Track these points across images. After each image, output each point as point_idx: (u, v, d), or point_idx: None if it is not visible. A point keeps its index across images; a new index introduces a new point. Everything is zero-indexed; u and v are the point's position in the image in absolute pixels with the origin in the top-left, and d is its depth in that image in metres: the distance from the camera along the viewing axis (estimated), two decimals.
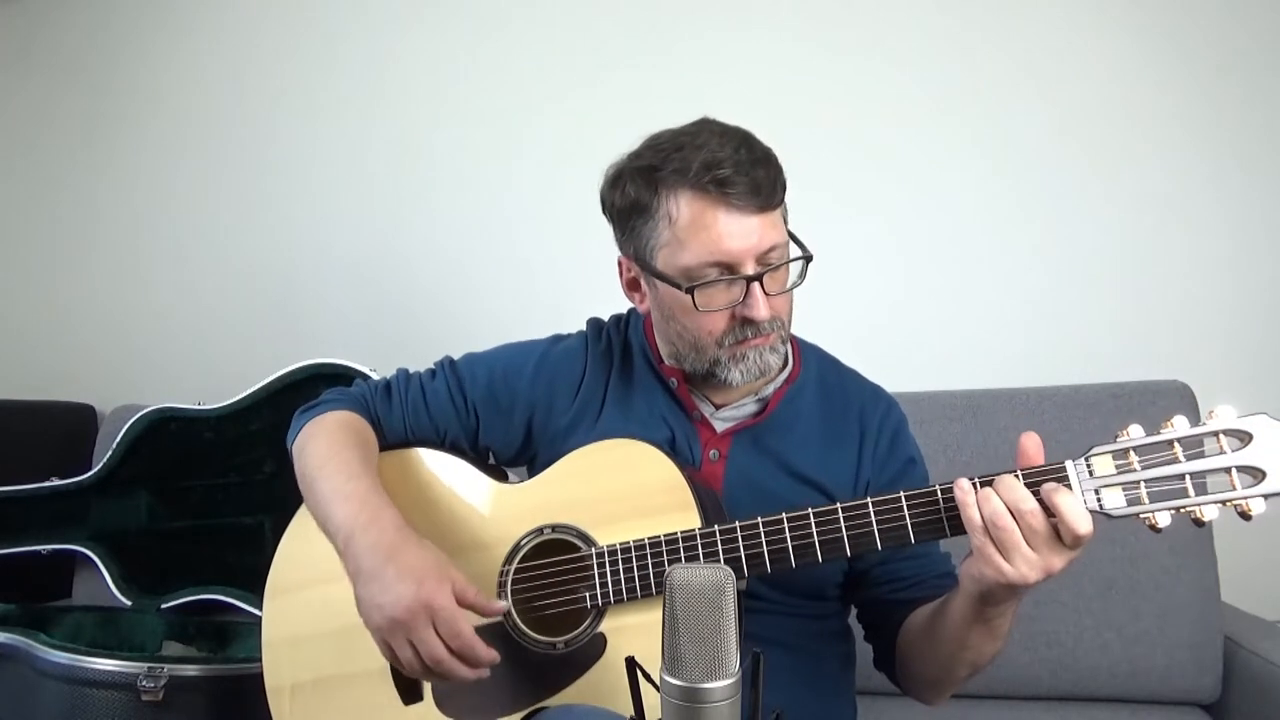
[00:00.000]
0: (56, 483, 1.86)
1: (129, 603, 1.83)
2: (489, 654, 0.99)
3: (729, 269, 1.03)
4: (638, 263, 1.11)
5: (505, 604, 1.04)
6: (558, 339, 1.26)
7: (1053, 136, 1.89)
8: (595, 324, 1.27)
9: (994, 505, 0.86)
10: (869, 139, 1.96)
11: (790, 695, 0.93)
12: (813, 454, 1.13)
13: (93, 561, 1.86)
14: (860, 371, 1.25)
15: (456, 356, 1.27)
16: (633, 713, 0.76)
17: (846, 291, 1.92)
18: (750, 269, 1.03)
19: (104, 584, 1.84)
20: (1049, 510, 0.85)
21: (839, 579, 1.16)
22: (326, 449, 1.14)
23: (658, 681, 0.68)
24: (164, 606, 1.82)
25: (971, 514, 0.88)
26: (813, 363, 1.21)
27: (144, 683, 1.39)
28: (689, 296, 1.04)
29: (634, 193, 1.07)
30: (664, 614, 0.66)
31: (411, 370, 1.27)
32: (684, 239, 1.03)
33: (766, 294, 1.04)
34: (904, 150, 1.94)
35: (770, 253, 1.04)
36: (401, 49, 2.16)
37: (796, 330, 1.23)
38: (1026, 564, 0.85)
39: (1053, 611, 1.55)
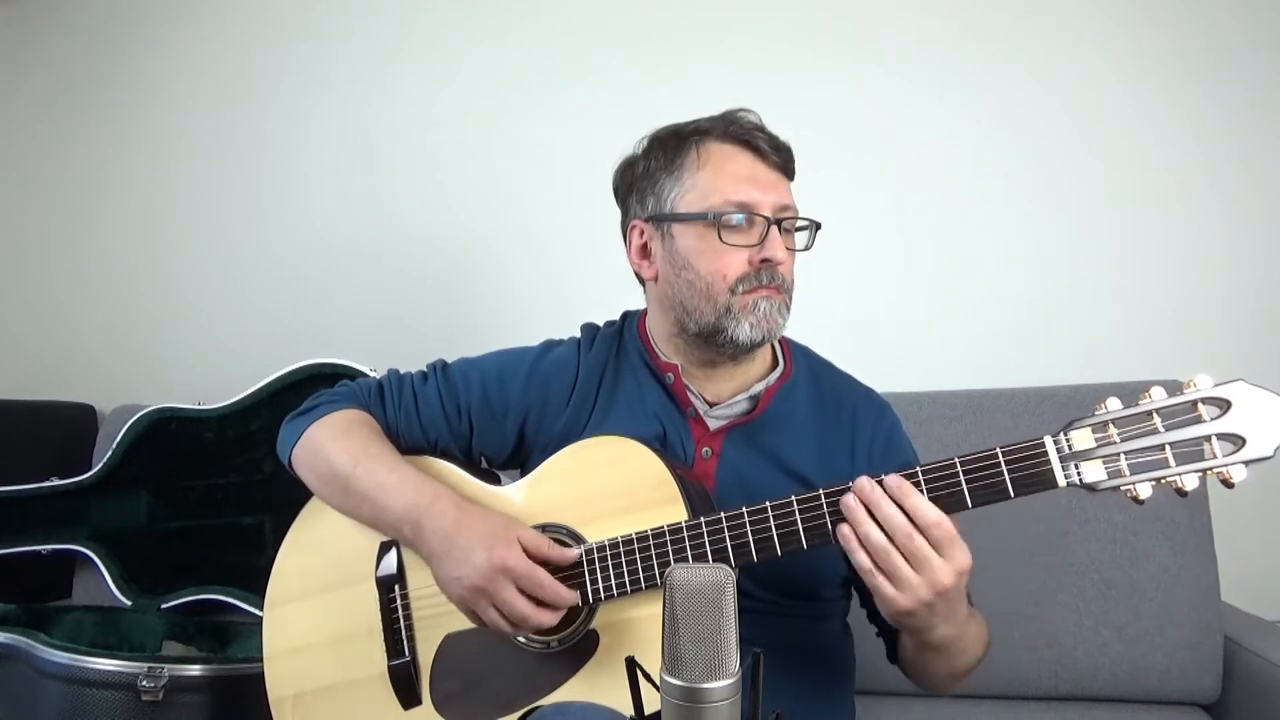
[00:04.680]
0: (56, 483, 1.86)
1: (129, 603, 1.83)
2: (571, 595, 1.01)
3: (750, 212, 1.09)
4: (655, 220, 1.15)
5: (577, 552, 1.04)
6: (550, 345, 1.26)
7: (1053, 137, 1.89)
8: (590, 329, 1.27)
9: (875, 538, 0.88)
10: (870, 140, 1.95)
11: (788, 699, 0.92)
12: (806, 452, 1.14)
13: (93, 561, 1.86)
14: (861, 371, 1.25)
15: (450, 360, 1.27)
16: (626, 709, 0.76)
17: (848, 292, 1.92)
18: (769, 214, 1.09)
19: (104, 584, 1.84)
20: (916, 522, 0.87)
21: (835, 580, 1.16)
22: (350, 447, 1.15)
23: (656, 680, 0.68)
24: (164, 606, 1.82)
25: (861, 558, 0.90)
26: (803, 363, 1.21)
27: (144, 683, 1.39)
28: (713, 229, 1.08)
29: (661, 155, 1.14)
30: (664, 614, 0.66)
31: (403, 371, 1.27)
32: (711, 180, 1.10)
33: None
34: (904, 151, 1.94)
35: (785, 211, 1.11)
36: (403, 45, 2.16)
37: (798, 331, 1.23)
38: (913, 588, 0.88)
39: (1053, 611, 1.55)
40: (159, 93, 2.29)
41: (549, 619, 1.01)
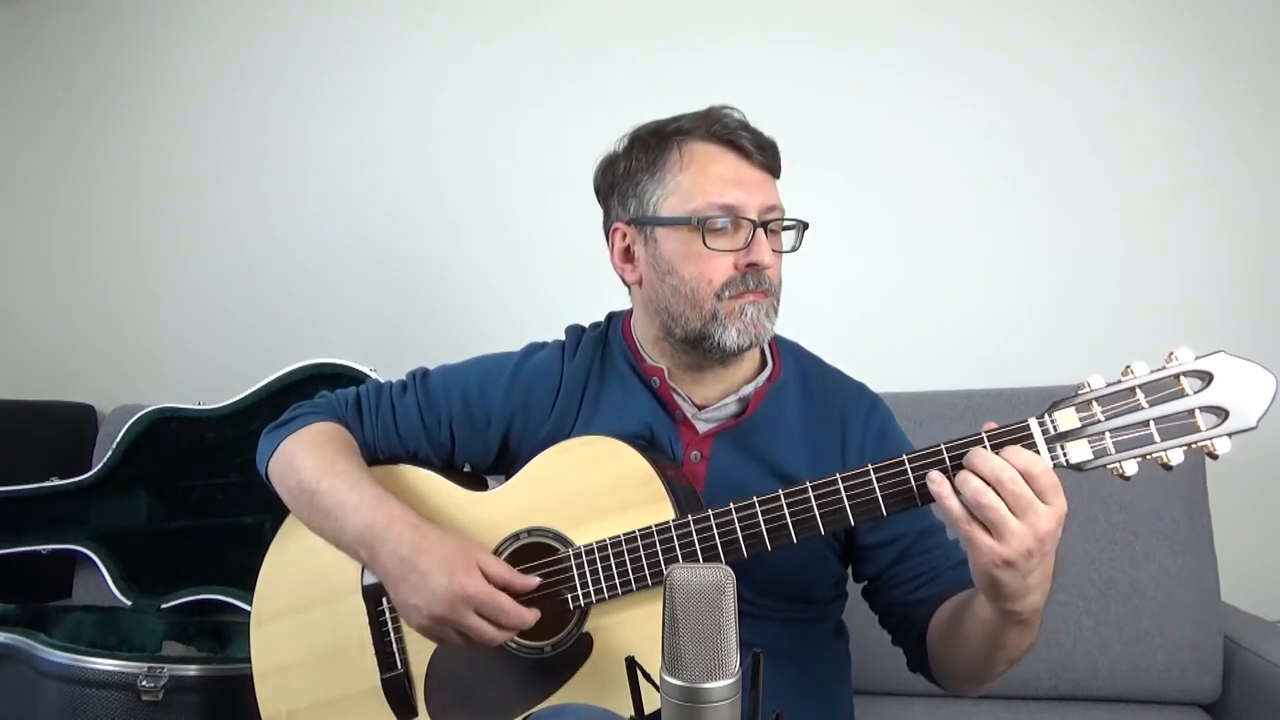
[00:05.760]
0: (56, 483, 1.86)
1: (129, 603, 1.83)
2: (533, 615, 1.01)
3: (735, 215, 1.06)
4: (637, 223, 1.12)
5: (536, 580, 1.03)
6: (532, 350, 1.24)
7: (1053, 136, 1.89)
8: (574, 332, 1.25)
9: (973, 485, 0.84)
10: (869, 139, 1.95)
11: (786, 701, 0.92)
12: (796, 453, 1.12)
13: (93, 561, 1.86)
14: (861, 371, 1.24)
15: (435, 366, 1.25)
16: (623, 710, 0.76)
17: (847, 291, 1.92)
18: (755, 216, 1.06)
19: (104, 584, 1.84)
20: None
21: (828, 581, 1.15)
22: (319, 461, 1.13)
23: (655, 680, 0.68)
24: (164, 606, 1.82)
25: (951, 504, 0.86)
26: (792, 362, 1.20)
27: (144, 683, 1.39)
28: (698, 234, 1.05)
29: (643, 154, 1.11)
30: (664, 614, 0.66)
31: (382, 381, 1.26)
32: (694, 181, 1.07)
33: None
34: (903, 150, 1.94)
35: (771, 211, 1.08)
36: (405, 44, 2.16)
37: (797, 331, 1.23)
38: (1016, 537, 0.83)
39: (1053, 611, 1.54)
40: (159, 93, 2.29)
41: (508, 636, 1.01)
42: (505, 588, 1.01)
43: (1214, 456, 0.84)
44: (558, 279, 2.06)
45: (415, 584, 1.00)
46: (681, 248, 1.08)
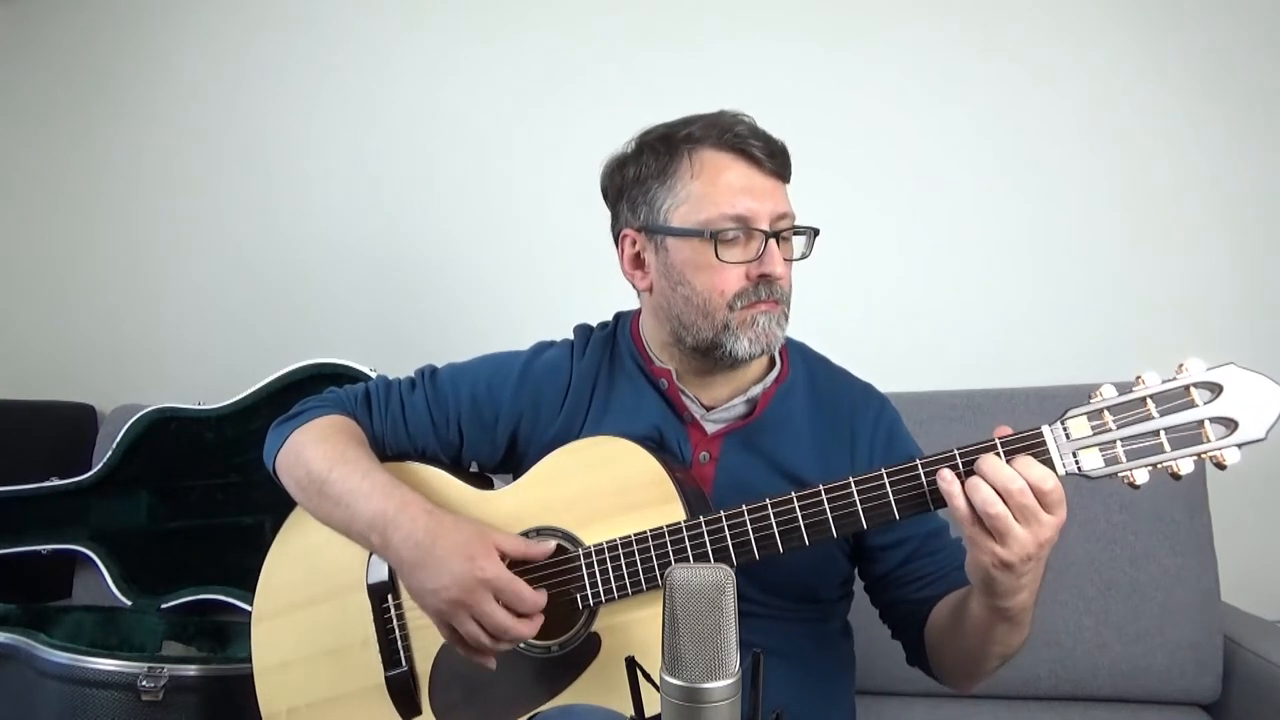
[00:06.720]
0: (56, 483, 1.86)
1: (129, 603, 1.83)
2: (543, 596, 1.01)
3: (747, 226, 1.06)
4: (647, 231, 1.12)
5: (551, 544, 1.04)
6: (541, 348, 1.24)
7: (1054, 137, 1.89)
8: (583, 331, 1.25)
9: (984, 493, 0.86)
10: (870, 140, 1.95)
11: (790, 700, 0.92)
12: (805, 454, 1.12)
13: (93, 561, 1.86)
14: (860, 370, 1.24)
15: (439, 364, 1.26)
16: (630, 710, 0.76)
17: (847, 291, 1.92)
18: (766, 227, 1.06)
19: (104, 584, 1.84)
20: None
21: (835, 581, 1.15)
22: (328, 452, 1.13)
23: (657, 680, 0.68)
24: (164, 606, 1.82)
25: (959, 504, 0.88)
26: (800, 363, 1.20)
27: (144, 683, 1.39)
28: (710, 245, 1.05)
29: (653, 161, 1.10)
30: (664, 614, 0.66)
31: (391, 378, 1.26)
32: (705, 192, 1.07)
33: None
34: (905, 150, 1.94)
35: (782, 219, 1.08)
36: (405, 44, 2.16)
37: (797, 330, 1.22)
38: (1019, 544, 0.85)
39: (1053, 611, 1.55)
40: (159, 93, 2.29)
41: (529, 630, 1.00)
42: (523, 561, 1.02)
43: (1222, 467, 0.84)
44: (558, 279, 2.06)
45: (431, 569, 1.00)
46: (693, 258, 1.07)
